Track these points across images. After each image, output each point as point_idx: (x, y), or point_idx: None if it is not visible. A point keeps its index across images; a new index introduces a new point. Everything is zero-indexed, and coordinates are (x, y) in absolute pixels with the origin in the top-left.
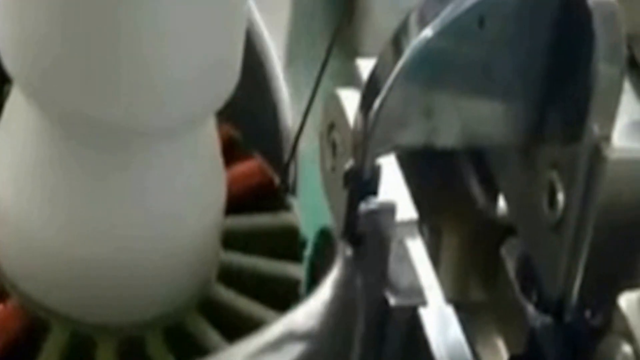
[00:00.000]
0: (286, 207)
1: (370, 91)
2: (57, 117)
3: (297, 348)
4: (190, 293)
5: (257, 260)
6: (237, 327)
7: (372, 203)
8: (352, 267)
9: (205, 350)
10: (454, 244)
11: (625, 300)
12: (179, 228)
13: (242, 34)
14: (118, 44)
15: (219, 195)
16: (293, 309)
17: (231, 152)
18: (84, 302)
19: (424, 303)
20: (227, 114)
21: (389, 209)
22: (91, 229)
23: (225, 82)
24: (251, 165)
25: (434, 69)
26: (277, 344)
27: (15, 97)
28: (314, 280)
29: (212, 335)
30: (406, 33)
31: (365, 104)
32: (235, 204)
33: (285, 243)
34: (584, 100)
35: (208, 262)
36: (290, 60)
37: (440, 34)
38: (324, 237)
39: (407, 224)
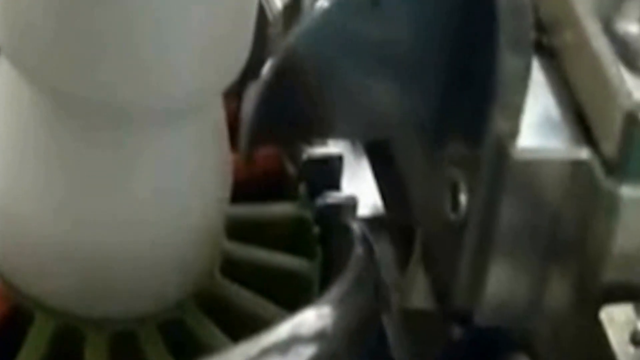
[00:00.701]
0: (298, 197)
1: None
2: (52, 98)
3: (306, 351)
4: (190, 286)
5: (264, 252)
6: (239, 324)
7: (333, 197)
8: (368, 266)
9: (205, 347)
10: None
11: (606, 315)
12: (179, 216)
13: (253, 9)
14: (121, 24)
15: (223, 182)
16: (302, 307)
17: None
18: (72, 293)
19: (387, 309)
20: (237, 93)
21: (350, 204)
22: (83, 215)
23: (233, 62)
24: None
25: (328, 47)
26: (284, 346)
27: (4, 75)
28: (326, 277)
29: (212, 331)
30: (296, 7)
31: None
32: (242, 190)
33: (296, 235)
34: (488, 93)
35: (210, 252)
36: None
37: (330, 11)
38: None
39: (372, 220)
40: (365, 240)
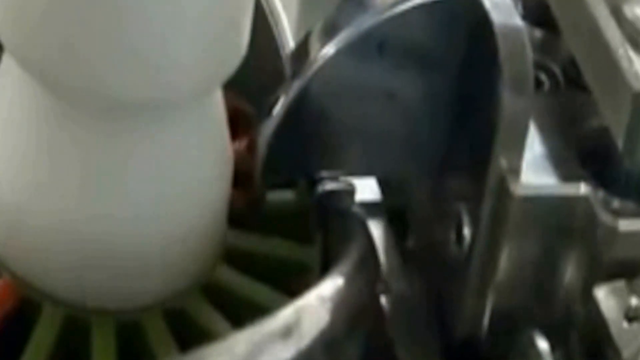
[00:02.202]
0: (295, 185)
1: (266, 112)
2: (54, 89)
3: (308, 335)
4: (194, 275)
5: (265, 241)
6: (243, 311)
7: (331, 184)
8: (367, 251)
9: (209, 335)
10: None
11: (601, 292)
12: (182, 205)
13: (251, 2)
14: (112, 12)
15: (225, 171)
16: (303, 293)
17: (239, 126)
18: (78, 284)
19: (386, 290)
20: (236, 87)
21: (348, 190)
22: (87, 207)
23: (232, 54)
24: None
25: (337, 89)
26: (286, 330)
27: (8, 67)
28: (326, 263)
29: (217, 320)
30: (306, 51)
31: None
32: (242, 178)
33: (296, 223)
34: (491, 131)
35: (213, 242)
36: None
37: (338, 55)
38: None
39: (370, 205)
40: (363, 225)
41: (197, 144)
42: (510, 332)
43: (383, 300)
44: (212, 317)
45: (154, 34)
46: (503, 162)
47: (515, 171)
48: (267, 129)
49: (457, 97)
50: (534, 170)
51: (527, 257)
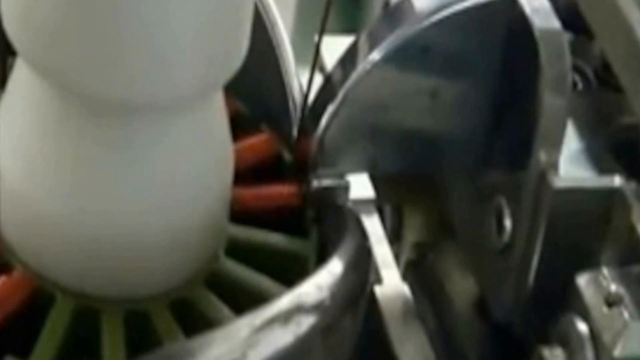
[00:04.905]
0: (294, 181)
1: (315, 115)
2: (63, 91)
3: (306, 321)
4: (198, 266)
5: (265, 234)
6: (244, 301)
7: (326, 180)
8: (361, 244)
9: (213, 323)
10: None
11: (583, 280)
12: (186, 201)
13: (251, 6)
14: (123, 18)
15: (226, 168)
16: (301, 282)
17: (239, 127)
18: (88, 275)
19: (378, 281)
20: (235, 91)
21: (343, 186)
22: (97, 201)
23: (232, 56)
24: (259, 139)
25: (382, 92)
26: (285, 317)
27: (20, 70)
28: (322, 255)
29: (220, 309)
30: (353, 56)
31: (311, 127)
32: (242, 176)
33: (293, 217)
34: (530, 128)
35: (215, 235)
36: (298, 33)
37: (385, 60)
38: None
39: (364, 201)
40: (357, 220)
41: (200, 141)
42: (549, 316)
43: (376, 290)
44: (215, 306)
45: (164, 42)
46: (542, 157)
47: (554, 165)
48: (319, 128)
49: (497, 95)
50: (571, 164)
51: (565, 245)
